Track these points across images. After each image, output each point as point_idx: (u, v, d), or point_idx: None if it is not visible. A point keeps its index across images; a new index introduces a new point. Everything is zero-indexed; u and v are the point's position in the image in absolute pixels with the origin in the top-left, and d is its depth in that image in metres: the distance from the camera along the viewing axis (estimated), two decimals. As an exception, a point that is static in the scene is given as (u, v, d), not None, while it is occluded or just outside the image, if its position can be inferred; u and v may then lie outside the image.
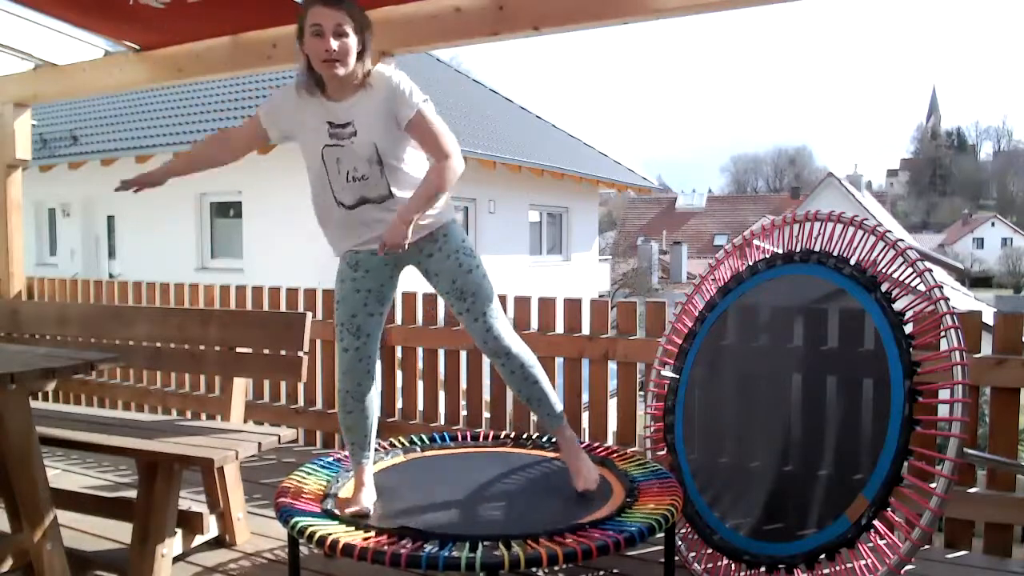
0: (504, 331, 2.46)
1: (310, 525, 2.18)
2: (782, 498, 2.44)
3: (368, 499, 2.39)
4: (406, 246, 2.27)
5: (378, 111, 2.30)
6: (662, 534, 2.26)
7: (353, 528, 2.21)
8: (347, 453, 2.59)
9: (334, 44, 2.20)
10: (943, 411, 2.25)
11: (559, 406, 2.57)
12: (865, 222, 2.50)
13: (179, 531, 2.61)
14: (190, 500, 2.93)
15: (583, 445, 2.95)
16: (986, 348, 2.71)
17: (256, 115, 2.48)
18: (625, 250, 31.19)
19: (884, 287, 2.38)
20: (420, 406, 3.91)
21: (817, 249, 2.60)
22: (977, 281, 43.90)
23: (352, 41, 2.24)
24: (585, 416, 3.49)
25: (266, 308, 4.25)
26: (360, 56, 2.28)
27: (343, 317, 2.44)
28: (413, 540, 2.09)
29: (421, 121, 2.30)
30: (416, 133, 2.32)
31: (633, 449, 3.12)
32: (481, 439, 3.11)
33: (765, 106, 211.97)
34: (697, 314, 2.86)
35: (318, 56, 2.23)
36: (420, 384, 3.90)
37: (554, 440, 2.97)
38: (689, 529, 2.60)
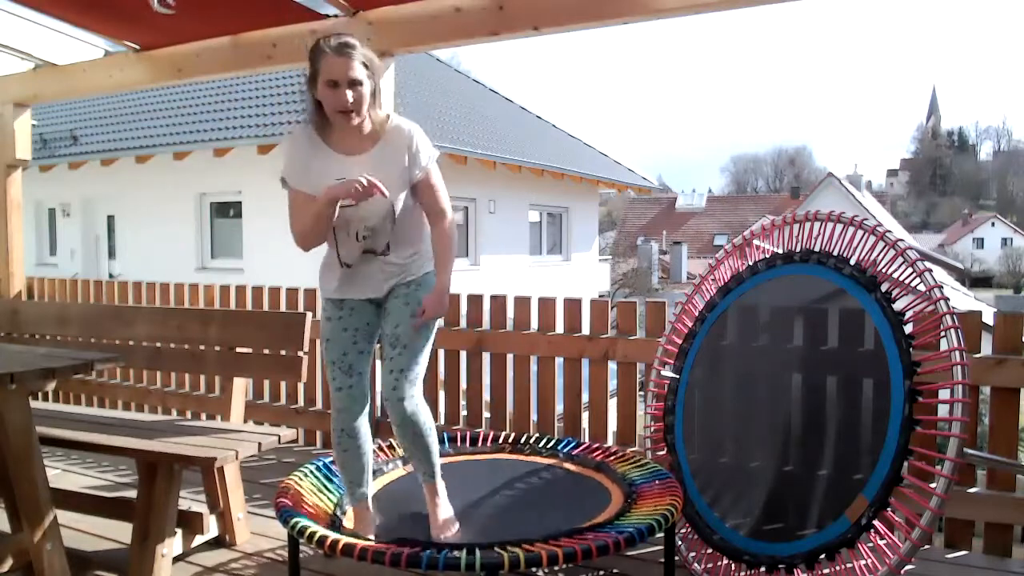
0: (414, 398, 2.35)
1: (310, 525, 2.19)
2: (782, 498, 2.44)
3: (369, 532, 2.38)
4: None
5: (397, 167, 2.30)
6: (662, 534, 2.26)
7: (353, 528, 2.22)
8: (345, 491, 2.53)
9: (349, 96, 2.19)
10: (943, 411, 2.25)
11: (437, 467, 2.45)
12: (865, 222, 2.50)
13: (179, 531, 2.61)
14: (190, 500, 2.93)
15: (583, 446, 2.98)
16: (986, 348, 2.71)
17: (291, 188, 2.33)
18: (625, 250, 31.20)
19: (884, 287, 2.38)
20: (420, 406, 3.90)
21: (817, 249, 2.60)
22: (977, 281, 43.87)
23: (366, 88, 2.22)
24: (585, 416, 3.49)
25: (266, 308, 4.25)
26: (372, 98, 2.25)
27: (334, 356, 2.40)
28: (412, 546, 2.10)
29: (427, 180, 2.34)
30: (420, 191, 2.35)
31: (633, 449, 3.12)
32: (480, 441, 3.11)
33: (765, 106, 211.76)
34: (697, 314, 2.86)
35: (334, 108, 2.21)
36: (420, 384, 3.89)
37: (551, 445, 3.00)
38: (689, 529, 2.60)
